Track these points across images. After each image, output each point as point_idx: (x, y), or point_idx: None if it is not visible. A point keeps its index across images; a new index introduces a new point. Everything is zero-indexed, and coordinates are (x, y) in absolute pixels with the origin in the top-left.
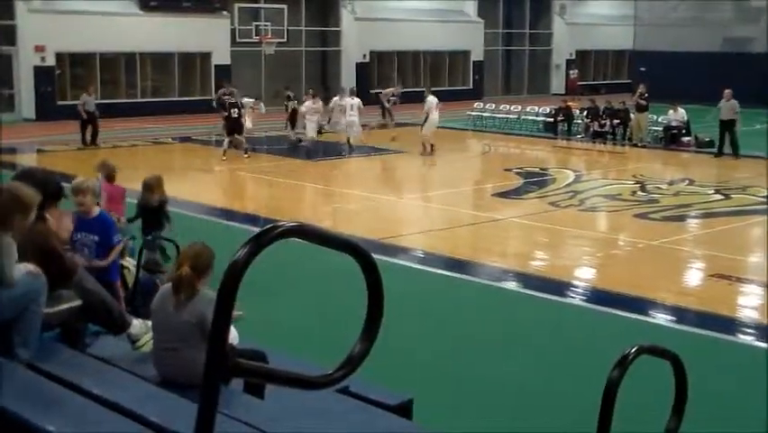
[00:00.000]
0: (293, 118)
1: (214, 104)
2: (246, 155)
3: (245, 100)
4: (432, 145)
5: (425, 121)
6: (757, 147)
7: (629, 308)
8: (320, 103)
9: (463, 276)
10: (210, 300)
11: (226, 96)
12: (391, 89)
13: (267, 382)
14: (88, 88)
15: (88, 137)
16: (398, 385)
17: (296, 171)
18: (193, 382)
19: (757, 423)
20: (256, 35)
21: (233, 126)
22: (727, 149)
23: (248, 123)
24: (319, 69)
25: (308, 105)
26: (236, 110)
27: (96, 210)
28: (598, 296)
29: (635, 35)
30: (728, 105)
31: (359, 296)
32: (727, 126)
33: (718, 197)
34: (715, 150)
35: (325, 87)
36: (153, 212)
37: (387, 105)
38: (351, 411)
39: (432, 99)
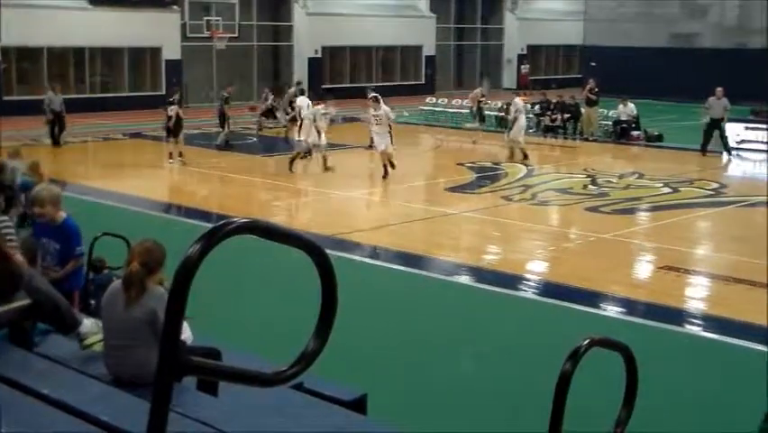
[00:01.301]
0: (222, 118)
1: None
2: (180, 158)
3: (313, 109)
4: (524, 151)
5: (513, 125)
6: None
7: (581, 301)
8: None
9: (417, 271)
10: (161, 297)
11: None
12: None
13: (220, 380)
14: (53, 86)
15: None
16: (353, 381)
17: (249, 167)
18: (145, 380)
19: (707, 411)
20: (207, 30)
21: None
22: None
23: (322, 137)
24: (271, 65)
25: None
26: (174, 108)
27: (61, 217)
28: (550, 289)
29: (585, 31)
30: (719, 103)
31: (313, 292)
32: (717, 124)
33: (667, 190)
34: (698, 147)
35: (277, 82)
36: None
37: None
38: (305, 407)
39: (519, 102)
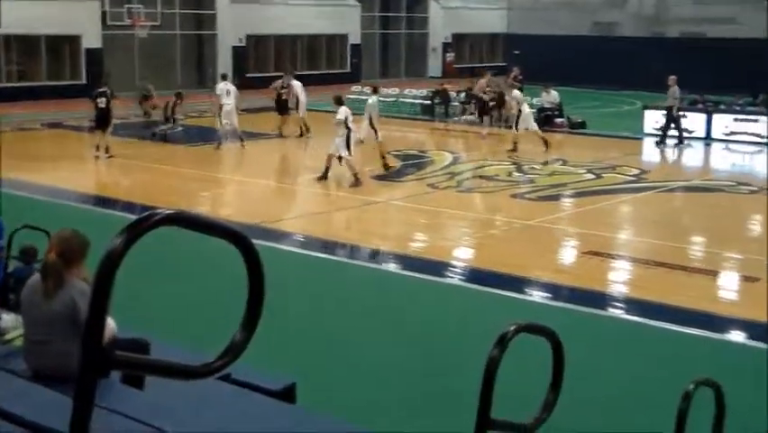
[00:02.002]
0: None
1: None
2: (106, 153)
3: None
4: (544, 139)
5: (518, 117)
6: (626, 128)
7: (507, 287)
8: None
9: (343, 259)
10: (82, 291)
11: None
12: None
13: (146, 374)
14: None
15: None
16: (282, 370)
17: (174, 157)
18: (65, 374)
19: (630, 393)
20: (128, 18)
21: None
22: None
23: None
24: (195, 54)
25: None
26: (104, 99)
27: None
28: (476, 275)
29: (509, 19)
30: (672, 92)
31: (241, 282)
32: (671, 113)
33: (590, 176)
34: (659, 135)
35: (201, 71)
36: None
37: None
38: (233, 398)
39: (518, 93)
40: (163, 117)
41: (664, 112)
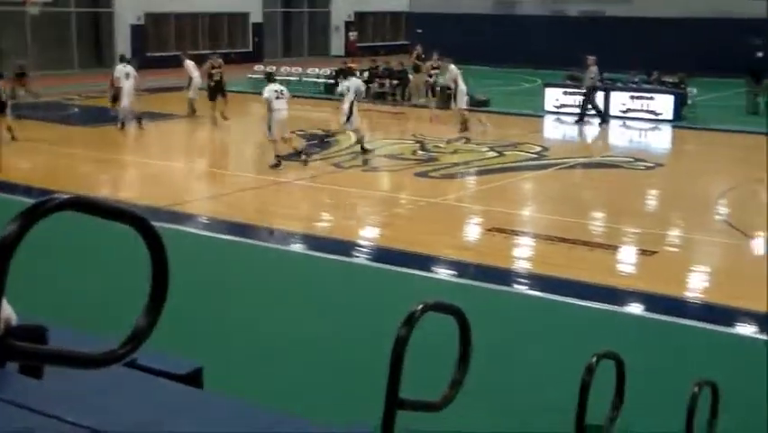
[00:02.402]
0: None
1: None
2: (9, 132)
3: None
4: (465, 123)
5: (456, 93)
6: (527, 106)
7: (414, 266)
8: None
9: (249, 240)
10: None
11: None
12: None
13: (45, 363)
14: None
15: None
16: (189, 355)
17: (72, 140)
18: None
19: (535, 369)
20: None
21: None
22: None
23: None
24: (92, 33)
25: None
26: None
27: None
28: (383, 254)
29: None
30: (590, 72)
31: (144, 267)
32: (590, 92)
33: (493, 154)
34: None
35: (99, 51)
36: None
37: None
38: (138, 384)
39: (453, 68)
40: None
41: (583, 91)
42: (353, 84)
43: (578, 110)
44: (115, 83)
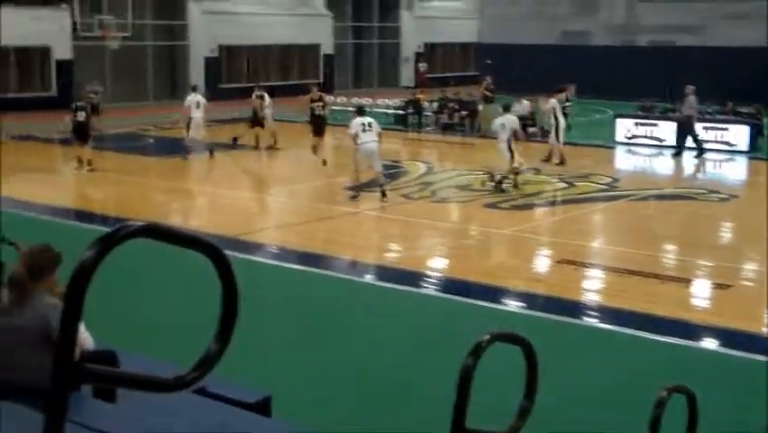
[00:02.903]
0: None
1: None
2: (88, 166)
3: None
4: (562, 155)
5: (557, 127)
6: (598, 136)
7: (483, 297)
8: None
9: (320, 270)
10: (52, 304)
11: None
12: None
13: (117, 387)
14: None
15: None
16: (257, 383)
17: (145, 170)
18: (32, 389)
19: (604, 402)
20: (99, 29)
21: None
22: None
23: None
24: (167, 65)
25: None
26: (83, 113)
27: None
28: (452, 285)
29: (480, 29)
30: (688, 102)
31: (214, 294)
32: (691, 124)
33: (563, 185)
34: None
35: (173, 83)
36: None
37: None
38: (208, 411)
39: (554, 100)
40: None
41: (679, 123)
42: (508, 121)
43: (652, 141)
44: (186, 112)
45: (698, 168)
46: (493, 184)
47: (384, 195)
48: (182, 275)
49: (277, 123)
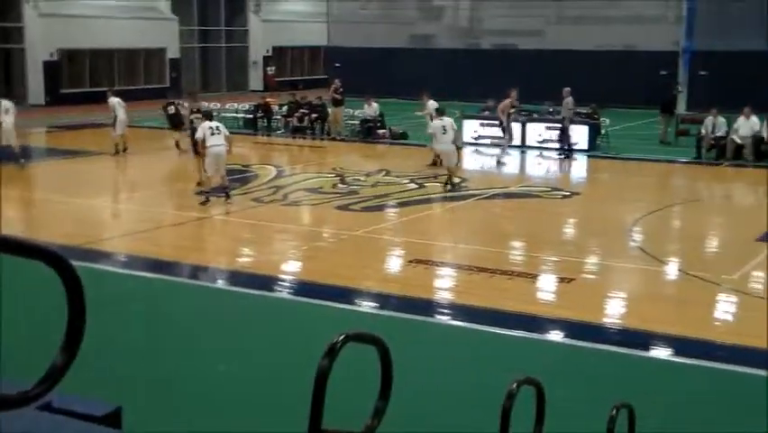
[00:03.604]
0: None
1: None
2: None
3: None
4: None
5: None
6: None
7: (336, 298)
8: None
9: (170, 277)
10: None
11: None
12: None
13: None
14: None
15: None
16: (107, 395)
17: None
18: None
19: (457, 396)
20: None
21: None
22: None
23: None
24: (2, 68)
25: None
26: None
27: None
28: (305, 288)
29: (329, 32)
30: (567, 104)
31: (60, 306)
32: (568, 125)
33: (413, 186)
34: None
35: (9, 88)
36: None
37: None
38: (54, 428)
39: (433, 103)
40: None
41: (558, 124)
42: (449, 123)
43: (497, 141)
44: None
45: (543, 166)
46: (448, 186)
47: (228, 197)
48: (26, 288)
49: (129, 128)
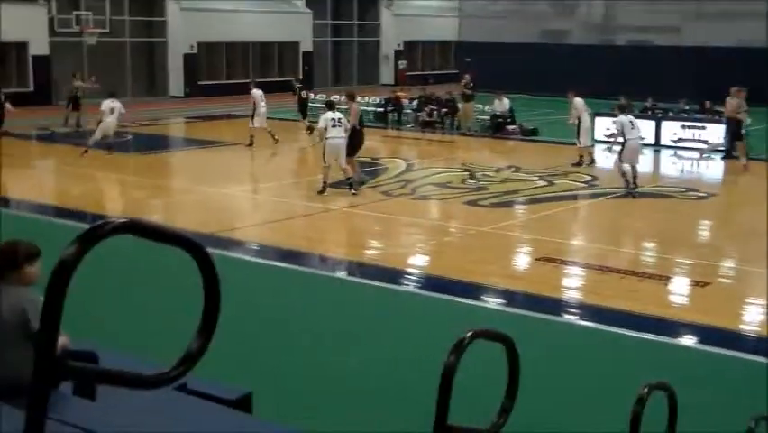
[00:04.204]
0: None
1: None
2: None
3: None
4: (591, 156)
5: (579, 129)
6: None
7: (463, 294)
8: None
9: (299, 267)
10: (29, 299)
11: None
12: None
13: (99, 383)
14: None
15: None
16: (238, 380)
17: (117, 165)
18: (19, 386)
19: (584, 399)
20: (76, 25)
21: None
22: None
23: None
24: (146, 61)
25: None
26: None
27: None
28: (432, 283)
29: (460, 27)
30: (737, 103)
31: (195, 291)
32: (734, 125)
33: (543, 183)
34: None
35: (152, 79)
36: None
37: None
38: (188, 408)
39: (579, 100)
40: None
41: (725, 123)
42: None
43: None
44: (102, 117)
45: (678, 166)
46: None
47: (351, 187)
48: (163, 272)
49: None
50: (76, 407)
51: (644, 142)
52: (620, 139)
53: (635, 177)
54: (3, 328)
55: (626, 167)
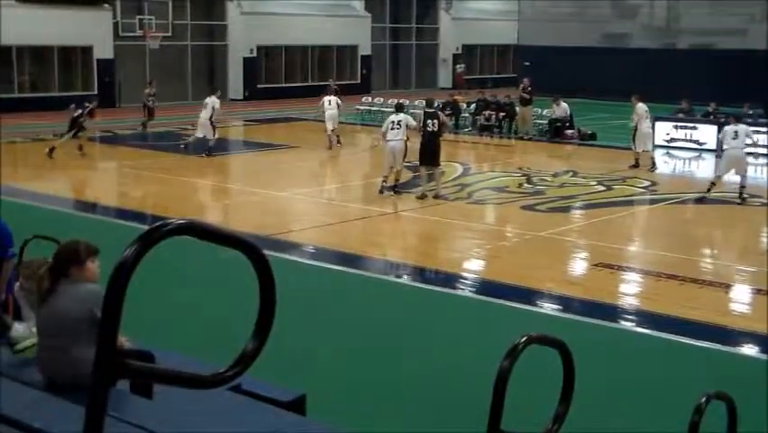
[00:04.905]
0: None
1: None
2: None
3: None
4: (653, 159)
5: (635, 134)
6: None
7: (518, 299)
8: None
9: (355, 271)
10: (93, 293)
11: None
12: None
13: (156, 382)
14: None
15: None
16: (292, 382)
17: (180, 168)
18: (80, 383)
19: (641, 407)
20: (140, 29)
21: None
22: None
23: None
24: (206, 64)
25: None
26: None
27: None
28: (487, 287)
29: (519, 30)
30: None
31: (251, 293)
32: None
33: (601, 188)
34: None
35: (212, 82)
36: None
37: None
38: (242, 409)
39: (641, 105)
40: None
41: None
42: (741, 130)
43: (691, 144)
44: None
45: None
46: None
47: (395, 192)
48: (219, 274)
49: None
50: (133, 405)
51: (706, 147)
52: (724, 147)
53: (742, 186)
54: (71, 324)
55: (724, 176)
